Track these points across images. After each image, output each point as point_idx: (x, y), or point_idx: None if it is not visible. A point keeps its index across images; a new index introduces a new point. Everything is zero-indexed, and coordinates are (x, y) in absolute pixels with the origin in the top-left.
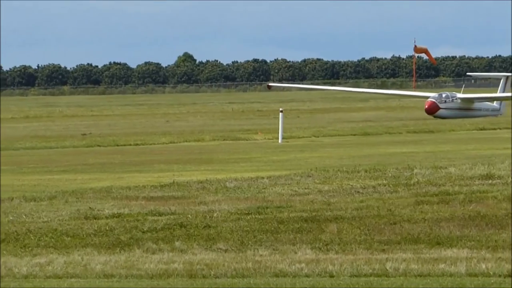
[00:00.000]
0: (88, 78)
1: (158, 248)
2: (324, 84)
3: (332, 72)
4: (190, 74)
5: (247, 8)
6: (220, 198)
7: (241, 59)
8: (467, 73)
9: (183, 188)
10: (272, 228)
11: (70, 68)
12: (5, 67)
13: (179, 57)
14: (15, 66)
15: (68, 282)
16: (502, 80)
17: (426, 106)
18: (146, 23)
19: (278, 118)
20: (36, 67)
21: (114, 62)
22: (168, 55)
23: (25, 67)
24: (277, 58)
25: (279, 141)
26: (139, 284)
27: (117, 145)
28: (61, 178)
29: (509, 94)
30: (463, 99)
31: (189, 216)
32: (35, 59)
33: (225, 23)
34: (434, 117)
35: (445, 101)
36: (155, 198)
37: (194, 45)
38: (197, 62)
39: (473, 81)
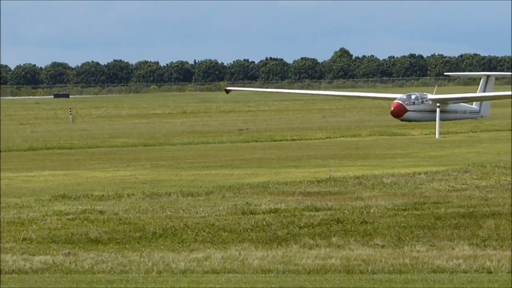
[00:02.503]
0: (245, 74)
1: (315, 244)
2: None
3: (489, 68)
4: (346, 70)
5: (403, 2)
6: (377, 193)
7: (398, 54)
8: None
9: (339, 184)
10: (429, 224)
11: (227, 64)
12: (162, 63)
13: (335, 52)
14: (172, 62)
15: (225, 277)
16: (482, 79)
17: (392, 109)
18: (303, 17)
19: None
20: (193, 63)
21: (271, 58)
22: (324, 50)
23: (182, 63)
24: (434, 54)
25: (437, 137)
26: (296, 280)
27: (274, 141)
28: (218, 173)
29: (489, 94)
30: (435, 100)
31: (346, 211)
32: (192, 55)
33: (382, 17)
34: (401, 120)
35: (414, 103)
36: (311, 193)
37: (350, 40)
38: (353, 57)
39: None
